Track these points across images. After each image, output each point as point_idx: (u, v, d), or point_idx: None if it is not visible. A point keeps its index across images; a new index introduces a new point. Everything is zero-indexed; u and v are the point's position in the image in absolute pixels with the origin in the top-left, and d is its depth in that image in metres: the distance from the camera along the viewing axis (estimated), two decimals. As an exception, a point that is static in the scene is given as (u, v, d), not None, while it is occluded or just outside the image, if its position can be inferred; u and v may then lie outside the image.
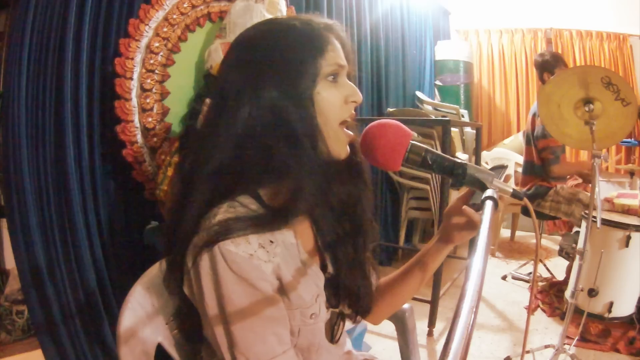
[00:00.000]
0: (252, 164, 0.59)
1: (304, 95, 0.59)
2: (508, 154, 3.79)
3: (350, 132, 0.66)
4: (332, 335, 0.72)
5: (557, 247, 2.81)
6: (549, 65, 2.39)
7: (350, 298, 0.72)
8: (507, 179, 0.70)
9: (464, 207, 0.72)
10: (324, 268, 0.70)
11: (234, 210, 0.58)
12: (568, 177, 2.64)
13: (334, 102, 0.62)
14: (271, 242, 0.59)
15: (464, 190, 0.73)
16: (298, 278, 0.62)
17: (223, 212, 0.57)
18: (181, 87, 1.69)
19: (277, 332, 0.58)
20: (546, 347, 1.77)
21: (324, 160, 0.62)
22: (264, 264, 0.57)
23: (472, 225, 0.72)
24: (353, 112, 0.66)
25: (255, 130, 0.59)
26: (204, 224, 0.57)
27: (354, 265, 0.72)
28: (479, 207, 0.68)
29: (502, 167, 0.75)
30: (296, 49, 0.60)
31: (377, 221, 3.02)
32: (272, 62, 0.60)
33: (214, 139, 0.60)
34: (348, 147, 0.66)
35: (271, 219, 0.59)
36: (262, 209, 0.60)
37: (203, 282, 0.55)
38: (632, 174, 3.55)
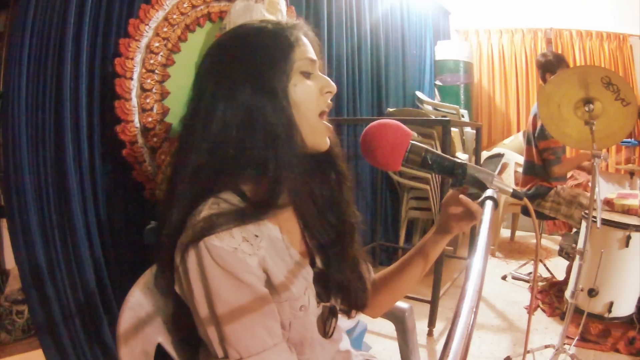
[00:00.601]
0: (230, 161, 0.61)
1: (278, 90, 0.60)
2: (508, 154, 3.79)
3: (330, 125, 0.68)
4: (325, 330, 0.72)
5: (557, 247, 2.81)
6: (551, 66, 2.39)
7: (342, 292, 0.72)
8: (504, 167, 0.70)
9: (461, 196, 0.73)
10: (312, 263, 0.70)
11: (217, 206, 0.60)
12: (568, 176, 2.64)
13: (310, 93, 0.64)
14: (256, 236, 0.60)
15: None
16: (285, 271, 0.63)
17: (207, 209, 0.59)
18: (181, 87, 1.69)
19: (267, 325, 0.58)
20: (546, 347, 1.77)
21: (302, 152, 0.63)
22: (248, 257, 0.57)
23: (470, 215, 0.72)
24: (330, 102, 0.68)
25: (231, 127, 0.60)
26: (190, 221, 0.59)
27: (343, 259, 0.72)
28: (475, 197, 0.68)
29: (499, 156, 0.75)
30: (267, 46, 0.62)
31: (377, 221, 3.04)
32: (245, 61, 0.62)
33: (192, 140, 0.62)
34: (328, 140, 0.68)
35: (252, 212, 0.60)
36: (243, 203, 0.62)
37: (191, 278, 0.56)
38: (632, 174, 3.56)
